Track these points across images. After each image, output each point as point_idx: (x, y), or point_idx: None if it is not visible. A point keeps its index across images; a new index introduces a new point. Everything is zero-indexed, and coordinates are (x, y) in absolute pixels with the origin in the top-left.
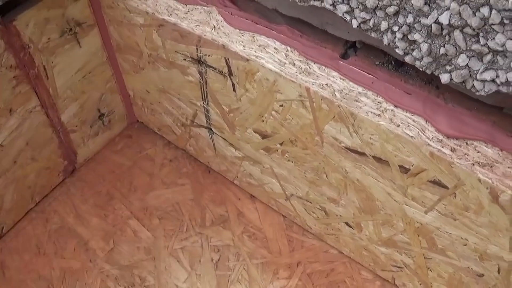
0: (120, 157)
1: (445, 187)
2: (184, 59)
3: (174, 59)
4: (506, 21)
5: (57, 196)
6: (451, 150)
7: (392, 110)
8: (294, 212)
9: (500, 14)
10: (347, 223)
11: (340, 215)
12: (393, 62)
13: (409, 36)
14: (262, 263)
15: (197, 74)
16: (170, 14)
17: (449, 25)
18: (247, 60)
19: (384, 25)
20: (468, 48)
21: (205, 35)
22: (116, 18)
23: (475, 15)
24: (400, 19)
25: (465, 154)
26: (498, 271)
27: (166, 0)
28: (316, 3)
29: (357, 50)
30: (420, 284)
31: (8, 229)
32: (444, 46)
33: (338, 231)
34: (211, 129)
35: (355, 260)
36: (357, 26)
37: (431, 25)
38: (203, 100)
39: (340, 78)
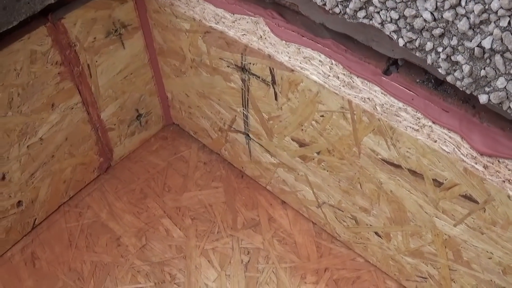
0: (155, 158)
1: (476, 201)
2: (228, 66)
3: (218, 66)
4: None
5: (91, 191)
6: (483, 167)
7: (430, 126)
8: (324, 220)
9: None
10: (376, 233)
11: (371, 225)
12: (433, 81)
13: (452, 58)
14: (291, 267)
15: (239, 81)
16: (217, 22)
17: (491, 49)
18: (292, 70)
19: (429, 45)
20: (507, 72)
21: (251, 44)
22: (161, 22)
23: None
24: (445, 41)
25: (497, 171)
26: None
27: (214, 8)
28: (365, 21)
29: (399, 67)
30: None
31: (40, 221)
32: (484, 68)
33: (366, 240)
34: (248, 135)
35: (381, 269)
36: (403, 45)
37: (474, 48)
38: (243, 107)
39: (382, 93)
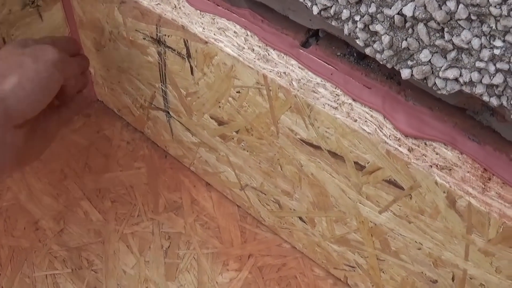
0: (77, 136)
1: (401, 188)
2: (144, 38)
3: (135, 38)
4: (473, 17)
5: None
6: (408, 150)
7: (350, 103)
8: (248, 203)
9: (467, 9)
10: (300, 218)
11: (294, 209)
12: (355, 54)
13: (370, 27)
14: (213, 253)
15: (156, 55)
16: None
17: (413, 17)
18: (206, 42)
19: (345, 13)
20: (432, 44)
21: (165, 14)
22: None
23: (441, 9)
24: (363, 8)
25: (423, 155)
26: (452, 279)
27: None
28: None
29: (319, 39)
30: (373, 286)
31: None
32: (406, 39)
33: (291, 225)
34: (168, 113)
35: (308, 256)
36: (318, 13)
37: (394, 16)
38: (161, 82)
39: (299, 67)
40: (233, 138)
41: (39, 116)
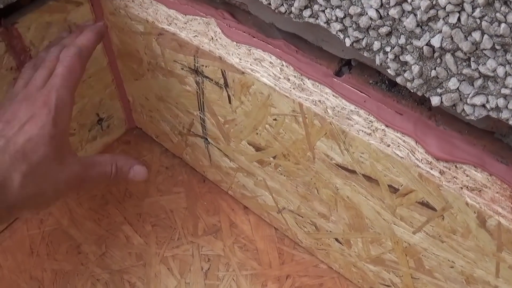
0: None
1: (433, 209)
2: (182, 69)
3: (173, 68)
4: (497, 47)
5: None
6: (440, 173)
7: (383, 129)
8: (285, 226)
9: (491, 39)
10: (336, 239)
11: (330, 231)
12: (386, 82)
13: (401, 57)
14: (252, 274)
15: (194, 84)
16: (170, 24)
17: (441, 48)
18: (243, 73)
19: (376, 45)
20: (459, 72)
21: (202, 46)
22: (117, 25)
23: (467, 39)
24: (393, 40)
25: (454, 177)
26: None
27: (166, 9)
28: (311, 20)
29: (351, 68)
30: None
31: (2, 229)
32: (435, 68)
33: (328, 247)
34: (206, 139)
35: (344, 276)
36: (350, 45)
37: (423, 47)
38: (199, 110)
39: (333, 95)
40: (270, 163)
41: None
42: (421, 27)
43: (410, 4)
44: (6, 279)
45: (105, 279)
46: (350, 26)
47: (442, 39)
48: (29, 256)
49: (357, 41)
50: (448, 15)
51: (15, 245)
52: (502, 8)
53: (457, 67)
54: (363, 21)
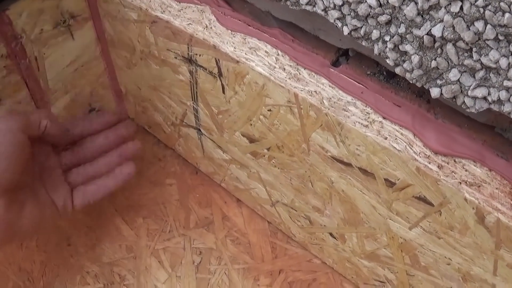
0: None
1: (431, 204)
2: (176, 57)
3: (166, 57)
4: (500, 37)
5: None
6: (438, 167)
7: (380, 122)
8: (279, 219)
9: (495, 29)
10: (331, 234)
11: (324, 225)
12: (385, 73)
13: (400, 47)
14: (244, 268)
15: (187, 74)
16: (163, 11)
17: (442, 38)
18: (237, 62)
19: (375, 34)
20: (460, 63)
21: (196, 34)
22: (110, 13)
23: (469, 29)
24: (392, 29)
25: (453, 172)
26: None
27: None
28: (308, 8)
29: (349, 58)
30: None
31: None
32: (435, 59)
33: (322, 241)
34: (200, 130)
35: (338, 272)
36: (348, 34)
37: (423, 36)
38: (192, 100)
39: (330, 86)
40: (264, 155)
41: (25, 186)
42: (422, 16)
43: None
44: None
45: (95, 271)
46: (348, 14)
47: (443, 29)
48: (18, 248)
49: (356, 29)
50: (450, 4)
51: None
52: None
53: (458, 57)
54: (362, 9)
